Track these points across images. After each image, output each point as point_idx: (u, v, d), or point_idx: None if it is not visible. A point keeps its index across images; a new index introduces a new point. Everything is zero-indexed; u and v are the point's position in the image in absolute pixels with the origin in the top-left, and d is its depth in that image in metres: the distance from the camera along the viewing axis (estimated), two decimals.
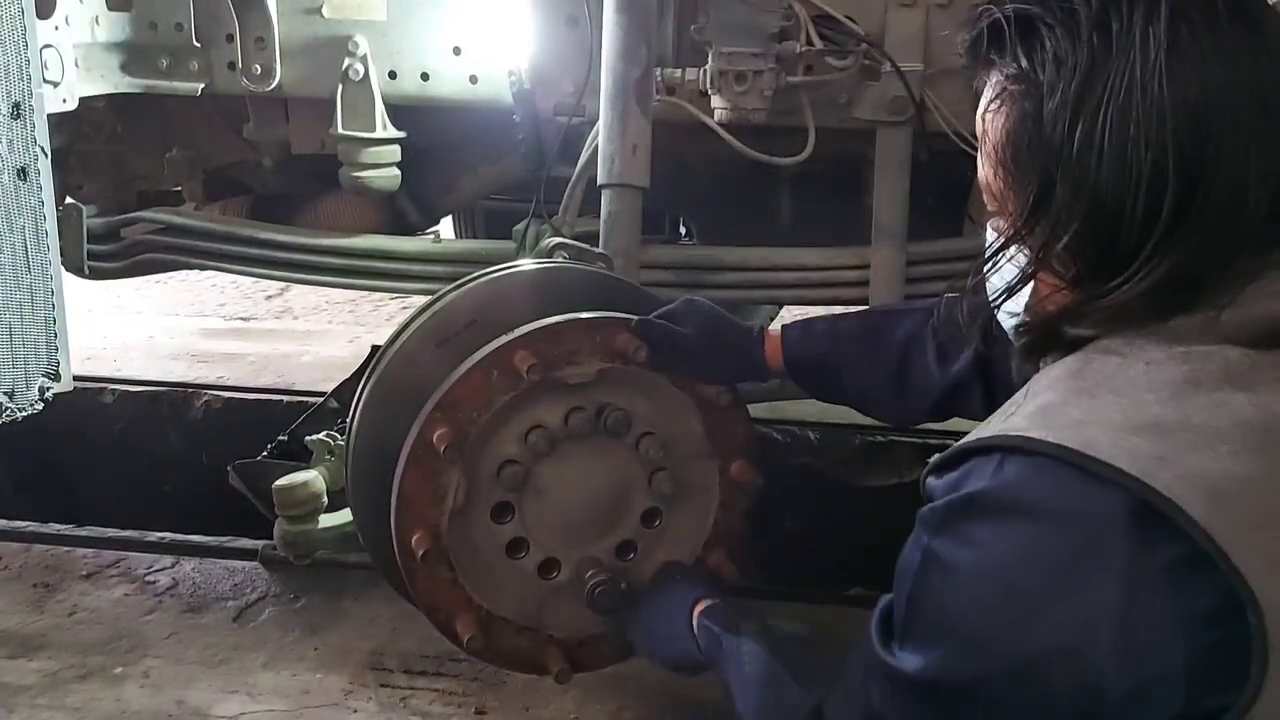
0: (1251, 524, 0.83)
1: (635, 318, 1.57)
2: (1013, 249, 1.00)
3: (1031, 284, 1.01)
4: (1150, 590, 0.84)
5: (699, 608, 1.45)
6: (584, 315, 1.57)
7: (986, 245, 1.05)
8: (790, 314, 3.96)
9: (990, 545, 0.92)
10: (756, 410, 1.83)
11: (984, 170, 1.04)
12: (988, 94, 1.01)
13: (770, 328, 1.64)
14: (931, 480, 1.00)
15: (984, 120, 1.01)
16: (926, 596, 0.98)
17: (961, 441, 0.98)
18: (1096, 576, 0.86)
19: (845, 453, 3.14)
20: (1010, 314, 1.05)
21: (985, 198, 1.06)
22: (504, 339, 1.52)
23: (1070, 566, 0.87)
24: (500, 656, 1.66)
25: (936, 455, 1.01)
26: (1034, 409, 0.94)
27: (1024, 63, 0.95)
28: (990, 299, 1.06)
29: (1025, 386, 1.00)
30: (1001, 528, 0.91)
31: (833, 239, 2.34)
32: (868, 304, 2.22)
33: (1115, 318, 0.95)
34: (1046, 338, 1.02)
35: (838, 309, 1.82)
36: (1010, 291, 1.02)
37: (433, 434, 1.49)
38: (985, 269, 1.04)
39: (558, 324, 1.54)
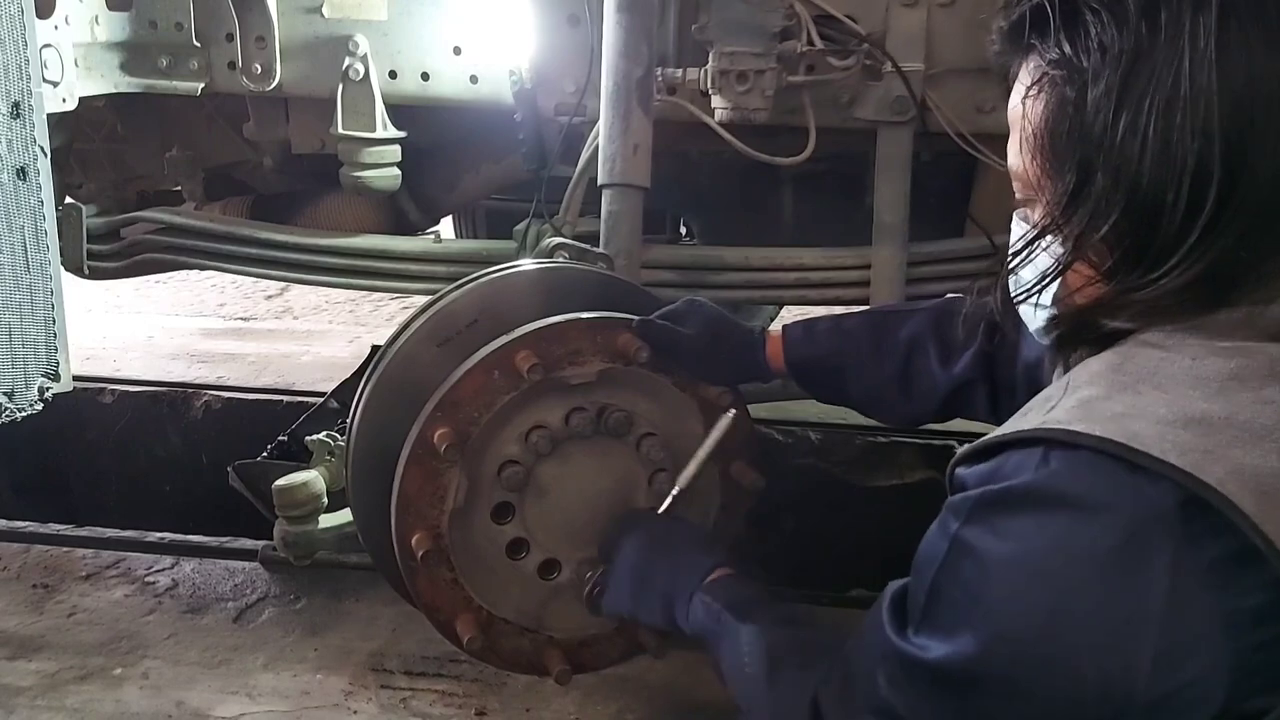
0: None
1: (636, 318, 1.57)
2: (1046, 239, 0.97)
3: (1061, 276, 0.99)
4: (1196, 587, 0.82)
5: (711, 577, 1.36)
6: (585, 316, 1.56)
7: (1016, 236, 1.02)
8: (791, 314, 3.96)
9: (1028, 537, 0.90)
10: (758, 411, 1.82)
11: (1017, 157, 1.01)
12: (1025, 79, 0.98)
13: (771, 328, 1.63)
14: (962, 470, 0.98)
15: (1022, 106, 0.99)
16: (953, 585, 0.95)
17: (997, 433, 0.96)
18: (1141, 572, 0.84)
19: (847, 453, 3.14)
20: (1039, 307, 1.03)
21: (1015, 185, 1.03)
22: (505, 339, 1.52)
23: (1113, 561, 0.85)
24: (501, 657, 1.65)
25: (967, 445, 0.99)
26: (1075, 402, 0.92)
27: (1067, 48, 0.93)
28: (1019, 291, 1.03)
29: (1063, 380, 0.98)
30: (1041, 520, 0.89)
31: (834, 239, 2.33)
32: (869, 304, 2.21)
33: (1152, 310, 0.93)
34: (1081, 330, 1.00)
35: (839, 309, 1.81)
36: (1043, 282, 0.99)
37: (433, 434, 1.49)
38: (1017, 259, 1.01)
39: (559, 324, 1.54)
